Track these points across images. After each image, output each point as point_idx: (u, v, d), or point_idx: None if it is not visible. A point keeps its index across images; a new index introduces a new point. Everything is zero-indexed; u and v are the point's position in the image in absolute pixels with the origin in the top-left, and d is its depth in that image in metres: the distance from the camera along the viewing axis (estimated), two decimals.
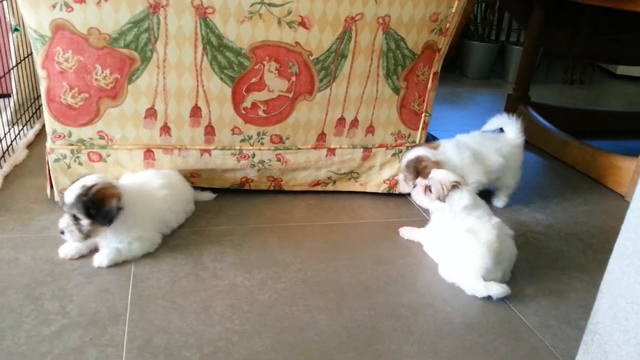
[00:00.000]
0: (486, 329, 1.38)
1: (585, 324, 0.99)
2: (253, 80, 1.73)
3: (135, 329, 1.26)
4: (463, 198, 1.54)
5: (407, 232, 1.78)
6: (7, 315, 1.27)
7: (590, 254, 1.78)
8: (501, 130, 2.12)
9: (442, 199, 1.56)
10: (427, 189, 1.61)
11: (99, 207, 1.42)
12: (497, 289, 1.47)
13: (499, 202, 2.08)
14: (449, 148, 1.90)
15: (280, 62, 1.72)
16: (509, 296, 1.48)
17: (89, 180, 1.45)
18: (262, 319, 1.34)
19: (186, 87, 1.69)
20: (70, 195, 1.43)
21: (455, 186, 1.56)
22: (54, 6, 1.51)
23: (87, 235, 1.46)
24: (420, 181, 1.66)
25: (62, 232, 1.45)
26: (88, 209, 1.41)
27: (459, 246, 1.52)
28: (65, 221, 1.45)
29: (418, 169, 1.79)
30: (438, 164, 1.79)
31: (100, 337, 1.23)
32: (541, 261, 1.71)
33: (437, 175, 1.61)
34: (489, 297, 1.47)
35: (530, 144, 2.79)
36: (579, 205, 2.15)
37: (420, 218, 1.90)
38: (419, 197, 1.64)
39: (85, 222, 1.43)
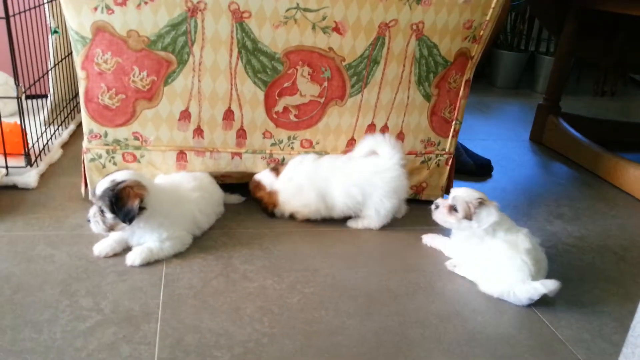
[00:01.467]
0: (517, 340, 1.36)
1: (620, 339, 0.98)
2: (286, 84, 1.75)
3: (167, 327, 1.28)
4: (491, 214, 1.51)
5: (430, 240, 1.76)
6: (44, 309, 1.30)
7: (623, 267, 1.75)
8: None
9: (469, 217, 1.53)
10: (452, 208, 1.56)
11: (121, 204, 1.44)
12: (552, 284, 1.42)
13: (352, 222, 1.83)
14: (286, 174, 1.78)
15: (313, 67, 1.73)
16: (540, 308, 1.46)
17: (119, 176, 1.48)
18: (291, 322, 1.34)
19: (220, 90, 1.71)
20: (100, 187, 1.46)
21: (481, 203, 1.53)
22: (95, 8, 1.55)
23: (110, 228, 1.49)
24: (442, 202, 1.61)
25: (89, 221, 1.49)
26: (112, 204, 1.44)
27: (498, 259, 1.48)
28: (92, 211, 1.48)
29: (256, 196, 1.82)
30: (271, 195, 1.79)
31: (133, 334, 1.25)
32: (573, 273, 1.68)
33: (461, 194, 1.57)
34: (519, 309, 1.46)
35: (560, 155, 2.75)
36: (611, 218, 2.11)
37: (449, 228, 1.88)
38: (443, 218, 1.59)
39: (109, 215, 1.46)
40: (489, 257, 1.51)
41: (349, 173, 1.77)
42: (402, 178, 1.79)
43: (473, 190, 1.58)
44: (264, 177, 1.82)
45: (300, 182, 1.77)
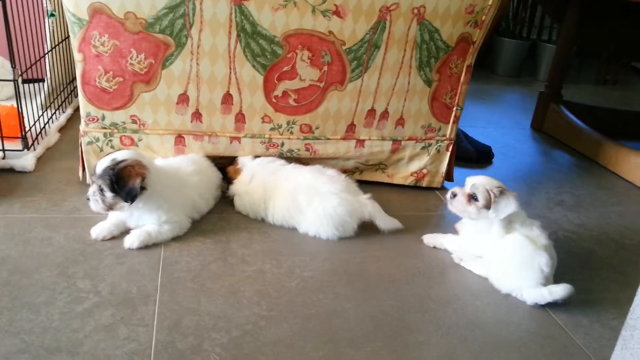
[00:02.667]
0: (516, 325, 1.36)
1: (619, 324, 0.97)
2: (285, 68, 1.73)
3: (165, 309, 1.28)
4: (510, 204, 1.44)
5: (432, 239, 1.66)
6: (41, 291, 1.30)
7: (623, 255, 1.74)
8: None
9: (489, 206, 1.45)
10: (471, 197, 1.48)
11: (123, 183, 1.43)
12: (561, 291, 1.38)
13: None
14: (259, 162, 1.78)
15: (312, 51, 1.72)
16: None
17: (120, 155, 1.47)
18: (289, 306, 1.34)
19: (219, 74, 1.69)
20: (100, 166, 1.45)
21: (502, 192, 1.46)
22: None
23: (109, 207, 1.48)
24: (460, 190, 1.51)
25: (88, 199, 1.48)
26: (112, 183, 1.43)
27: (514, 256, 1.43)
28: (92, 189, 1.48)
29: None
30: (236, 171, 1.76)
31: (131, 316, 1.24)
32: (573, 260, 1.68)
33: (481, 181, 1.49)
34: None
35: (561, 142, 2.74)
36: (611, 205, 2.10)
37: (449, 212, 1.87)
38: (462, 208, 1.50)
39: (108, 194, 1.45)
40: (505, 252, 1.45)
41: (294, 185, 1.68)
42: (339, 210, 1.63)
43: (490, 178, 1.51)
44: (244, 158, 1.81)
45: (259, 176, 1.74)
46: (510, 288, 1.45)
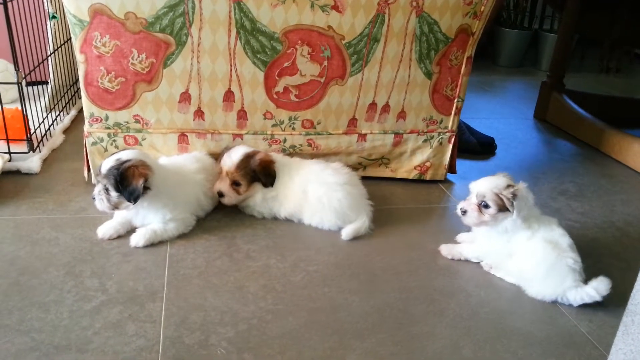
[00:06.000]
0: (520, 313, 1.37)
1: (622, 311, 0.98)
2: (285, 64, 1.74)
3: (172, 306, 1.29)
4: (527, 199, 1.39)
5: (449, 250, 1.58)
6: (50, 291, 1.32)
7: (627, 242, 1.75)
8: None
9: (502, 209, 1.40)
10: (481, 206, 1.42)
11: (126, 184, 1.45)
12: (604, 286, 1.35)
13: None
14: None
15: (312, 46, 1.72)
16: None
17: (125, 155, 1.49)
18: (295, 299, 1.35)
19: (220, 72, 1.70)
20: (105, 166, 1.47)
21: (514, 193, 1.40)
22: None
23: (115, 206, 1.50)
24: (466, 204, 1.46)
25: (94, 199, 1.50)
26: (117, 183, 1.45)
27: (540, 264, 1.38)
28: (97, 189, 1.50)
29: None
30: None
31: (138, 313, 1.26)
32: (576, 248, 1.68)
33: (486, 186, 1.42)
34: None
35: (564, 132, 2.74)
36: (615, 193, 2.10)
37: (453, 204, 1.88)
38: (476, 220, 1.44)
39: (113, 194, 1.47)
40: (531, 261, 1.40)
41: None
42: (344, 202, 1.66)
43: (493, 178, 1.46)
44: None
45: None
46: (550, 296, 1.40)
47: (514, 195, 1.40)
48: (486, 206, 1.42)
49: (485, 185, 1.44)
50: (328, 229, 1.67)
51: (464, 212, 1.46)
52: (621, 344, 0.93)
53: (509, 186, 1.43)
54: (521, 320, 1.34)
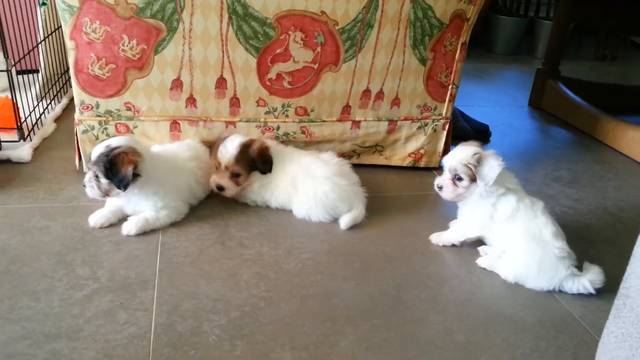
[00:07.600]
0: (513, 299, 1.37)
1: (615, 296, 0.97)
2: (278, 50, 1.72)
3: (164, 294, 1.29)
4: (493, 166, 1.39)
5: (439, 238, 1.58)
6: (41, 279, 1.31)
7: (619, 228, 1.75)
8: None
9: (474, 178, 1.41)
10: (454, 180, 1.45)
11: (116, 170, 1.44)
12: (597, 276, 1.38)
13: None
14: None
15: (305, 32, 1.70)
16: None
17: (115, 142, 1.47)
18: (287, 287, 1.35)
19: (212, 58, 1.69)
20: (95, 153, 1.46)
21: (478, 159, 1.41)
22: None
23: (105, 193, 1.49)
24: (442, 180, 1.47)
25: (84, 186, 1.49)
26: (107, 170, 1.44)
27: (528, 261, 1.38)
28: (88, 176, 1.48)
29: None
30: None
31: (130, 301, 1.25)
32: (569, 234, 1.65)
33: (454, 159, 1.43)
34: None
35: (559, 119, 2.73)
36: (608, 180, 2.10)
37: None
38: (453, 194, 1.46)
39: (103, 181, 1.46)
40: (519, 258, 1.40)
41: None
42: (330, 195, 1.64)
43: (463, 148, 1.45)
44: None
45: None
46: (548, 287, 1.40)
47: (478, 160, 1.40)
48: (460, 179, 1.44)
49: (455, 158, 1.45)
50: (318, 222, 1.65)
51: (440, 187, 1.48)
52: (613, 327, 0.93)
53: (474, 154, 1.42)
54: (514, 306, 1.34)
